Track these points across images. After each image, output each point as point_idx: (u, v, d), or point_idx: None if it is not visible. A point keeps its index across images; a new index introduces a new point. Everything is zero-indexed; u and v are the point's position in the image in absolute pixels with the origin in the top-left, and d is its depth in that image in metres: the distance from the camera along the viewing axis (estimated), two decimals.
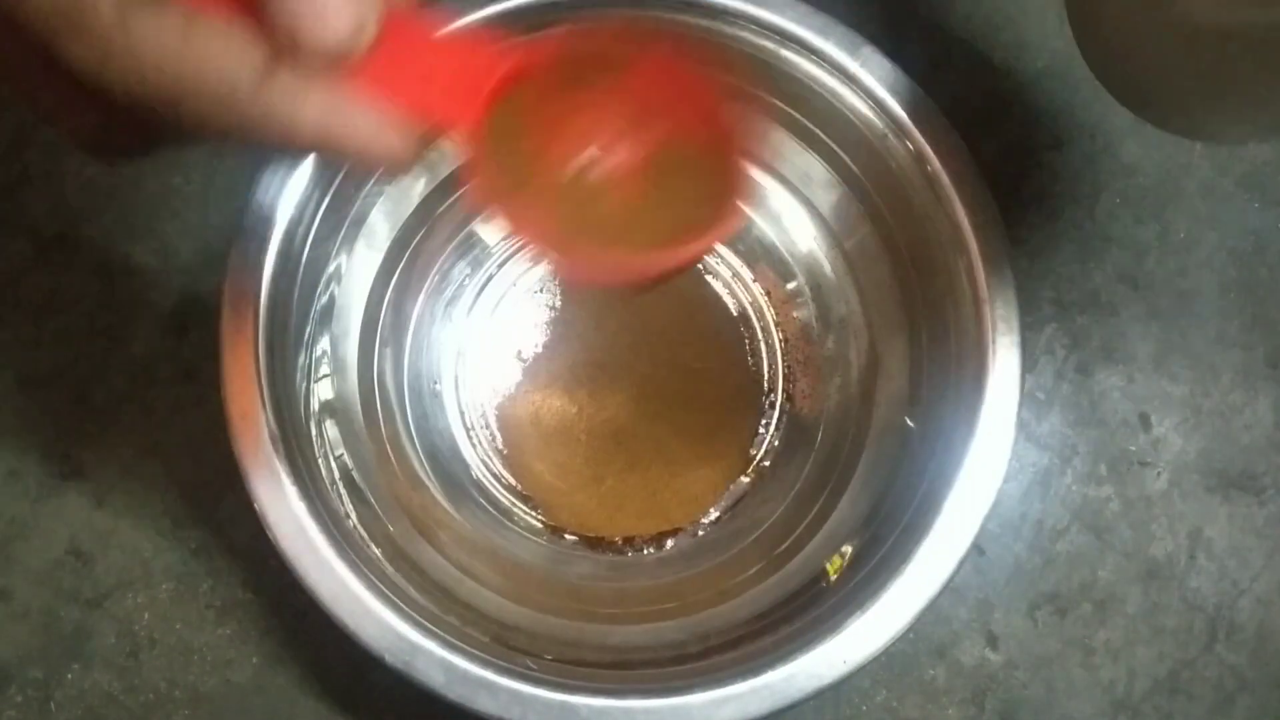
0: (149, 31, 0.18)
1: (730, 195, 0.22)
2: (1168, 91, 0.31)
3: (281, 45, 0.19)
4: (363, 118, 0.20)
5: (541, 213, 0.21)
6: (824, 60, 0.36)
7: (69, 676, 0.39)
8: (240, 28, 0.19)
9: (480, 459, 0.42)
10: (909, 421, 0.38)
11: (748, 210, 0.23)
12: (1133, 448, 0.43)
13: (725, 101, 0.23)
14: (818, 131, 0.39)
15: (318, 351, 0.37)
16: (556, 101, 0.21)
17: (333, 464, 0.36)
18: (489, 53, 0.21)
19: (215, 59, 0.18)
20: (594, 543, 0.42)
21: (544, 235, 0.21)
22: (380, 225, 0.39)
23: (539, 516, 0.42)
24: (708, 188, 0.22)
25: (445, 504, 0.40)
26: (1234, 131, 0.35)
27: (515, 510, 0.42)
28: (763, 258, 0.44)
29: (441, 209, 0.41)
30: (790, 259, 0.44)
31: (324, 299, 0.37)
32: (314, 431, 0.36)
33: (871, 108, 0.37)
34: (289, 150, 0.21)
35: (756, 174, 0.43)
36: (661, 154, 0.23)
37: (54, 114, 0.20)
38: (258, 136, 0.19)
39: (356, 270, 0.39)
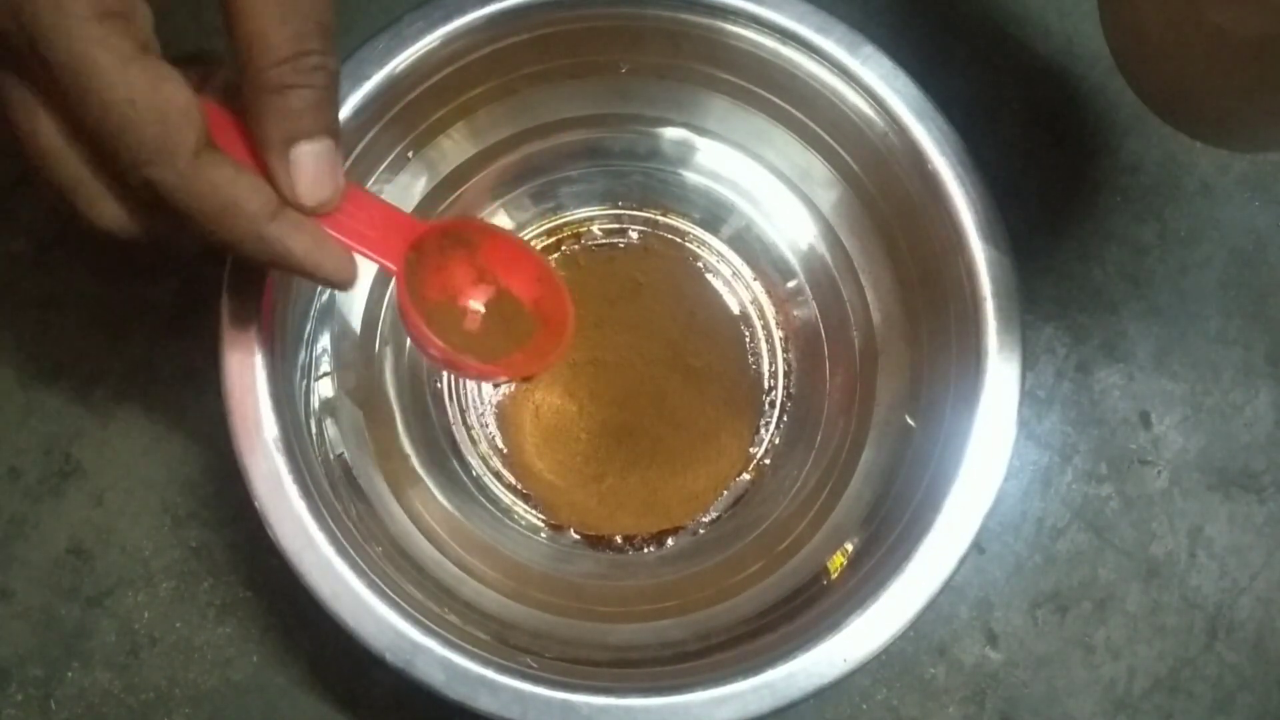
0: (211, 172, 0.25)
1: (555, 334, 0.33)
2: (1200, 100, 0.31)
3: (285, 197, 0.27)
4: (333, 251, 0.28)
5: (429, 326, 0.31)
6: (824, 58, 0.36)
7: (69, 675, 0.39)
8: (264, 181, 0.27)
9: (480, 457, 0.42)
10: (909, 420, 0.38)
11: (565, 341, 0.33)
12: (1133, 446, 0.43)
13: (548, 269, 0.34)
14: (818, 130, 0.39)
15: (318, 350, 0.37)
16: (436, 258, 0.32)
17: (333, 462, 0.36)
18: (403, 219, 0.31)
19: (247, 195, 0.26)
20: (594, 541, 0.42)
21: (427, 342, 0.31)
22: None
23: (539, 515, 0.42)
24: (532, 325, 0.33)
25: (445, 502, 0.40)
26: (1264, 142, 0.35)
27: (515, 509, 0.42)
28: (763, 256, 0.44)
29: (442, 207, 0.41)
30: (790, 257, 0.44)
31: (324, 297, 0.38)
32: (314, 430, 0.36)
33: (872, 106, 0.37)
34: (281, 268, 0.28)
35: (758, 172, 0.43)
36: (500, 300, 0.33)
37: (94, 208, 0.27)
38: (263, 252, 0.27)
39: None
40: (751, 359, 0.44)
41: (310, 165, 0.27)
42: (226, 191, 0.26)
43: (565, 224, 0.44)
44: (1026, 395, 0.35)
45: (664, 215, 0.45)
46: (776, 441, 0.43)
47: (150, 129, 0.24)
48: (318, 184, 0.28)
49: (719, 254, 0.45)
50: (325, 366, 0.38)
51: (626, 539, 0.42)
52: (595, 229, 0.45)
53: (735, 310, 0.44)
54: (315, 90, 0.27)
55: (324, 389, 0.37)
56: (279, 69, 0.26)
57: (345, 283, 0.29)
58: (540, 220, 0.44)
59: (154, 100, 0.24)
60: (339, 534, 0.32)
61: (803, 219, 0.43)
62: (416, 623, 0.31)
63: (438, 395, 0.43)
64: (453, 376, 0.43)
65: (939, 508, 0.33)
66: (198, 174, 0.25)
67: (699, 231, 0.45)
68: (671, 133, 0.43)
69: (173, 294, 0.42)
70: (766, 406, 0.43)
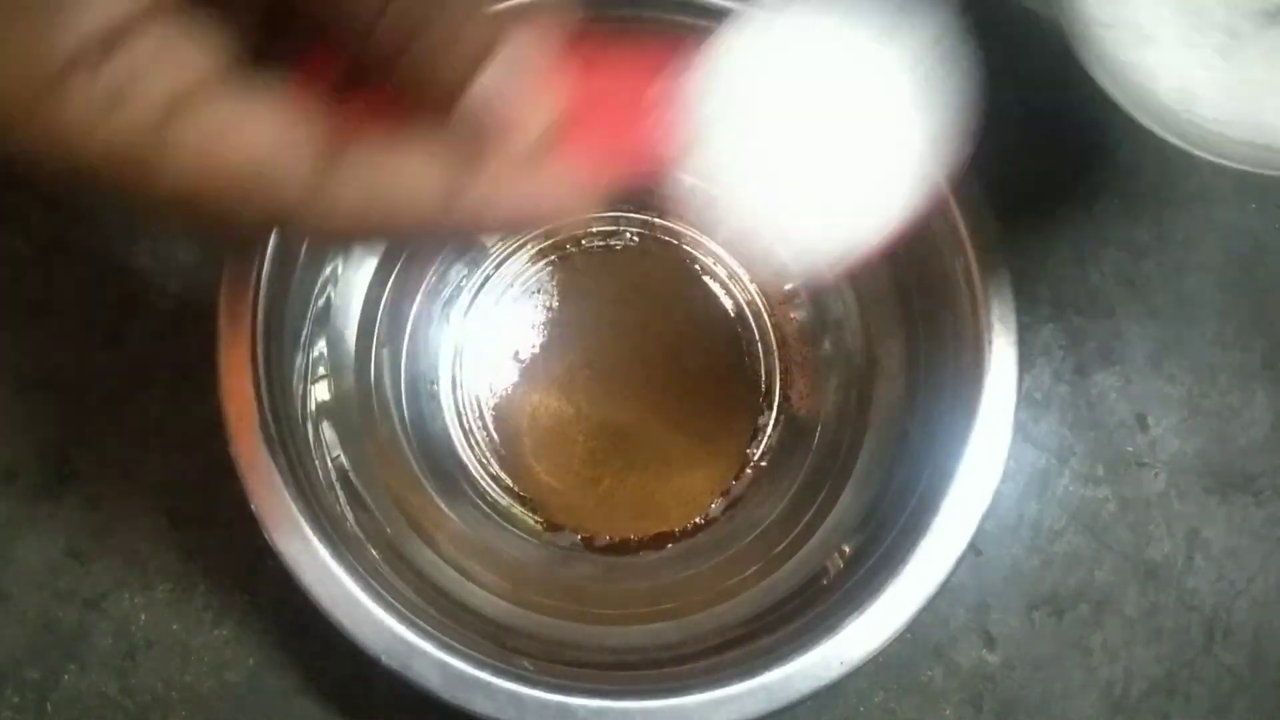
0: (347, 183, 0.18)
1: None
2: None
3: (473, 156, 0.19)
4: (554, 187, 0.20)
5: None
6: None
7: (65, 677, 0.39)
8: (431, 145, 0.19)
9: (477, 460, 0.42)
10: (906, 422, 0.38)
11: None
12: (1130, 448, 0.43)
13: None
14: None
15: (315, 353, 0.37)
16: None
17: (330, 465, 0.36)
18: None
19: (409, 186, 0.19)
20: (592, 544, 0.42)
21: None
22: None
23: (536, 517, 0.42)
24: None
25: (442, 505, 0.40)
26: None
27: (513, 511, 0.42)
28: (759, 258, 0.44)
29: None
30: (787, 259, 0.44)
31: (321, 300, 0.37)
32: (311, 433, 0.36)
33: None
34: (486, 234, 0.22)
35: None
36: None
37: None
38: (458, 234, 0.20)
39: (353, 271, 0.39)
40: (748, 361, 0.44)
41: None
42: (377, 197, 0.19)
43: (562, 225, 0.44)
44: (1023, 398, 0.35)
45: (660, 217, 0.45)
46: (773, 444, 0.43)
47: None
48: (519, 127, 0.20)
49: (716, 256, 0.45)
50: (322, 370, 0.38)
51: (624, 541, 0.42)
52: (592, 231, 0.45)
53: (732, 312, 0.44)
54: None
55: (321, 392, 0.37)
56: None
57: (585, 209, 0.22)
58: None
59: None
60: (335, 537, 0.32)
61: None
62: (413, 625, 0.31)
63: (435, 398, 0.43)
64: (450, 378, 0.43)
65: (936, 510, 0.33)
66: (327, 194, 0.19)
67: (695, 233, 0.45)
68: None
69: (170, 296, 0.42)
70: (763, 409, 0.44)
